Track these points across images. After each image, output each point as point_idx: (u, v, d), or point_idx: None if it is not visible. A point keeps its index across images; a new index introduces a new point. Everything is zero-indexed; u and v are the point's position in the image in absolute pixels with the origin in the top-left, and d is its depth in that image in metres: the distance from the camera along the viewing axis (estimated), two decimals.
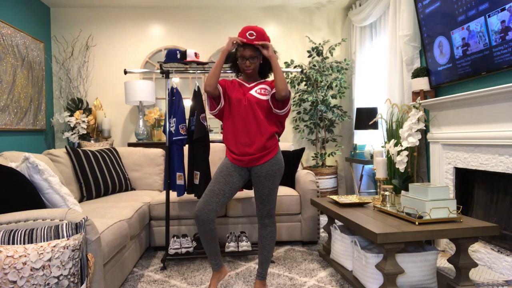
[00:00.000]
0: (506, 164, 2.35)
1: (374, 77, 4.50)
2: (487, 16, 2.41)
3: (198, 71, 2.92)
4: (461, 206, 2.53)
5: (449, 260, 2.16)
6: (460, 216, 2.13)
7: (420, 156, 3.30)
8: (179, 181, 2.84)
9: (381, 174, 2.62)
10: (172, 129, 2.82)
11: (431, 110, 3.09)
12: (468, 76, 2.69)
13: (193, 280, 2.47)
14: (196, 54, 2.82)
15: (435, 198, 2.10)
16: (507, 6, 2.25)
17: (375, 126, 4.15)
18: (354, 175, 4.75)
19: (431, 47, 3.04)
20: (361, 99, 4.77)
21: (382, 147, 3.61)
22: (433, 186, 2.13)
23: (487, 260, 2.49)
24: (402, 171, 3.02)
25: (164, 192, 3.38)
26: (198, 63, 2.83)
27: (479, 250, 2.56)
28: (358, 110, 4.31)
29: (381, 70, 4.33)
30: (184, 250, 2.74)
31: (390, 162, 3.19)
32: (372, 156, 4.05)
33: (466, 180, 2.89)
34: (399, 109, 3.25)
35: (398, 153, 3.06)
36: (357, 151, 4.43)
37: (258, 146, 2.10)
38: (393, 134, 3.28)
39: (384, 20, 4.17)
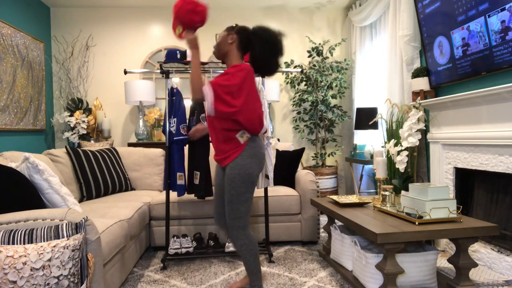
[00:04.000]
0: (506, 164, 2.35)
1: (374, 77, 4.50)
2: (487, 16, 2.41)
3: None
4: (461, 206, 2.53)
5: (449, 260, 2.16)
6: (460, 216, 2.13)
7: (420, 156, 3.30)
8: (180, 181, 2.84)
9: (381, 174, 2.62)
10: (173, 129, 2.82)
11: (431, 110, 3.09)
12: (468, 76, 2.69)
13: (193, 280, 2.46)
14: None
15: (435, 198, 2.10)
16: (507, 6, 2.25)
17: (375, 126, 4.15)
18: (354, 175, 4.75)
19: (431, 47, 3.04)
20: (361, 99, 4.77)
21: (382, 147, 3.61)
22: (433, 186, 2.13)
23: (487, 260, 2.49)
24: (402, 171, 3.01)
25: (164, 192, 3.38)
26: None
27: (479, 250, 2.56)
28: (358, 110, 4.30)
29: (381, 70, 4.33)
30: (184, 250, 2.74)
31: (390, 162, 3.19)
32: (372, 156, 4.05)
33: (466, 180, 2.89)
34: (399, 109, 3.25)
35: (398, 153, 3.06)
36: (357, 151, 4.43)
37: (216, 147, 2.09)
38: (393, 134, 3.28)
39: (384, 20, 4.17)
